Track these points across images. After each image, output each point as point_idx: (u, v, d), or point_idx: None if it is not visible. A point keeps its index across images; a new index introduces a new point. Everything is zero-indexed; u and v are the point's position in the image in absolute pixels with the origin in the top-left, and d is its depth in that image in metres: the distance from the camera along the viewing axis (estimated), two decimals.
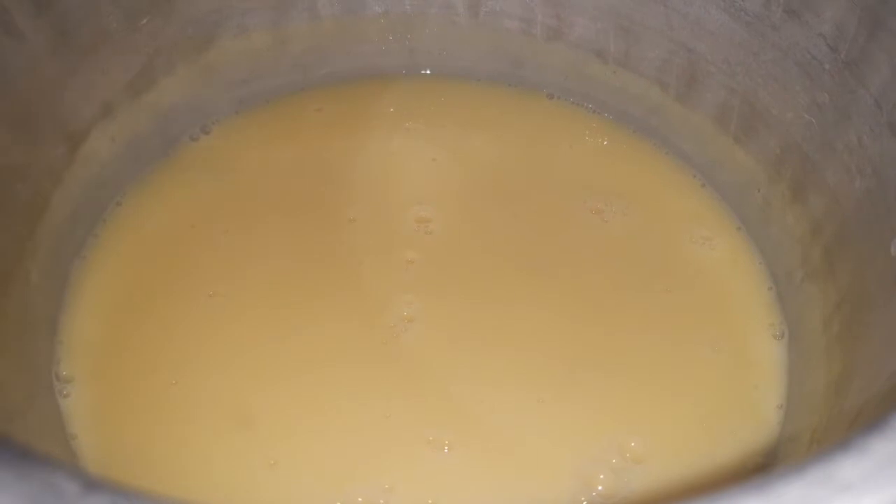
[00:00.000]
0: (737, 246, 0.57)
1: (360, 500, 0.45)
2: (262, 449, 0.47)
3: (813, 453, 0.42)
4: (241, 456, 0.46)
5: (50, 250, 0.51)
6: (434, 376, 0.50)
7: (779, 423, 0.50)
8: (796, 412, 0.49)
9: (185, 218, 0.57)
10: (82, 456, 0.46)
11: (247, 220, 0.57)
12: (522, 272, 0.55)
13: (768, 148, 0.55)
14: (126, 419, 0.48)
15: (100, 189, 0.56)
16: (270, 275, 0.54)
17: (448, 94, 0.65)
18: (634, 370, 0.51)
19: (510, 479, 0.46)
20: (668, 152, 0.62)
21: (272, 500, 0.45)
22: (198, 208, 0.58)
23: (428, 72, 0.66)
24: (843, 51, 0.47)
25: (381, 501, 0.45)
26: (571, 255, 0.57)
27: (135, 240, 0.56)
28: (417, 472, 0.46)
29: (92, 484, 0.22)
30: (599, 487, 0.46)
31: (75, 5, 0.50)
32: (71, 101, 0.52)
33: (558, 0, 0.61)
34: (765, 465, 0.48)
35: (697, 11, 0.55)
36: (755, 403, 0.51)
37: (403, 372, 0.50)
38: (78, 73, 0.52)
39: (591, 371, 0.51)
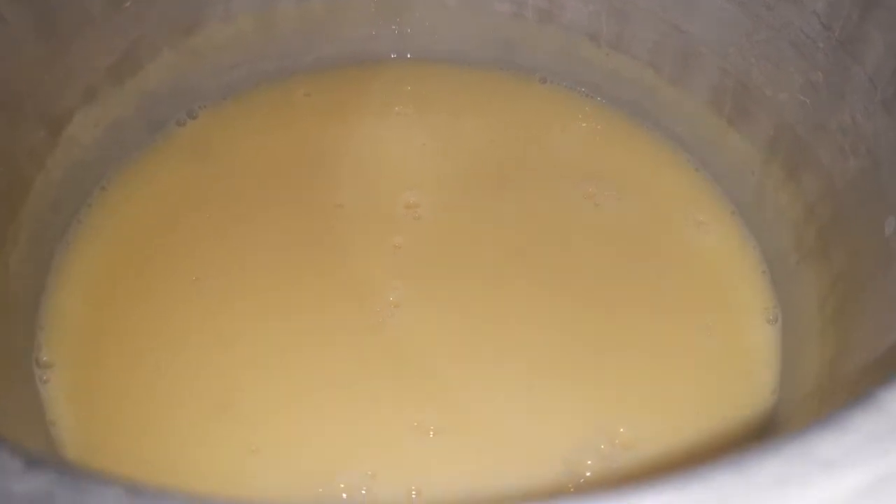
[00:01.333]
0: (731, 230, 0.56)
1: (342, 486, 0.44)
2: (244, 435, 0.46)
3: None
4: (223, 442, 0.46)
5: (32, 235, 0.50)
6: (420, 361, 0.49)
7: (772, 408, 0.49)
8: (790, 397, 0.48)
9: (171, 203, 0.57)
10: (61, 442, 0.45)
11: (233, 206, 0.57)
12: (512, 257, 0.54)
13: (762, 129, 0.54)
14: (106, 405, 0.47)
15: (84, 173, 0.55)
16: (256, 260, 0.54)
17: (438, 79, 0.64)
18: (625, 355, 0.50)
19: (496, 465, 0.45)
20: (662, 135, 0.61)
21: (254, 487, 0.44)
22: (184, 193, 0.57)
23: (418, 56, 0.65)
24: (837, 29, 0.46)
25: (364, 488, 0.44)
26: (563, 239, 0.56)
27: (119, 225, 0.55)
28: (401, 458, 0.45)
29: (34, 461, 0.21)
30: (588, 473, 0.45)
31: None
32: (53, 86, 0.52)
33: None
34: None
35: None
36: (748, 389, 0.50)
37: (389, 357, 0.49)
38: (60, 57, 0.51)
39: (580, 356, 0.50)
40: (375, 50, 0.65)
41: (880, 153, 0.44)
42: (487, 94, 0.64)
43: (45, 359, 0.48)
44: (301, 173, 0.58)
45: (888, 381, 0.23)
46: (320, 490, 0.44)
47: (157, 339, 0.50)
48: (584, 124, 0.62)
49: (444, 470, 0.45)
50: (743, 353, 0.51)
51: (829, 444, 0.22)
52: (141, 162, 0.58)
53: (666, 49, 0.58)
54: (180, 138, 0.60)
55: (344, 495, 0.44)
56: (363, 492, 0.44)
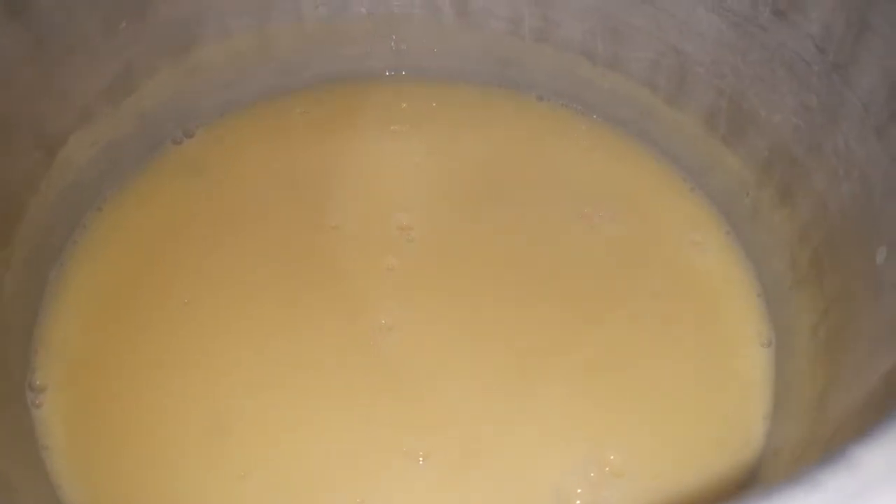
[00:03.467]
0: (726, 251, 0.56)
1: None
2: (234, 460, 0.46)
3: (793, 468, 0.41)
4: (213, 468, 0.46)
5: (26, 258, 0.51)
6: (411, 385, 0.49)
7: (765, 433, 0.48)
8: (782, 423, 0.48)
9: (166, 224, 0.57)
10: (53, 468, 0.45)
11: (229, 226, 0.57)
12: (505, 279, 0.54)
13: (757, 150, 0.53)
14: (99, 430, 0.47)
15: (79, 194, 0.55)
16: (250, 281, 0.54)
17: (434, 97, 0.64)
18: (617, 378, 0.50)
19: (485, 492, 0.45)
20: (658, 154, 0.60)
21: None
22: (180, 213, 0.57)
23: (414, 74, 0.65)
24: (831, 52, 0.46)
25: None
26: (557, 260, 0.55)
27: (115, 246, 0.55)
28: (391, 485, 0.45)
29: None
30: (577, 502, 0.45)
31: (51, 9, 0.49)
32: (48, 107, 0.52)
33: (545, 0, 0.59)
34: (749, 477, 0.47)
35: (685, 12, 0.54)
36: (741, 414, 0.49)
37: (380, 381, 0.49)
38: (55, 79, 0.51)
39: (571, 381, 0.50)
40: (372, 68, 0.65)
41: (873, 180, 0.43)
42: (483, 112, 0.64)
43: (38, 382, 0.48)
44: (297, 193, 0.59)
45: (862, 436, 0.23)
46: None
47: (150, 363, 0.50)
48: (579, 143, 0.62)
49: (433, 497, 0.45)
50: (736, 377, 0.51)
51: (833, 484, 0.22)
52: (137, 182, 0.58)
53: (662, 68, 0.58)
54: (177, 157, 0.60)
55: None
56: None
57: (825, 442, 0.39)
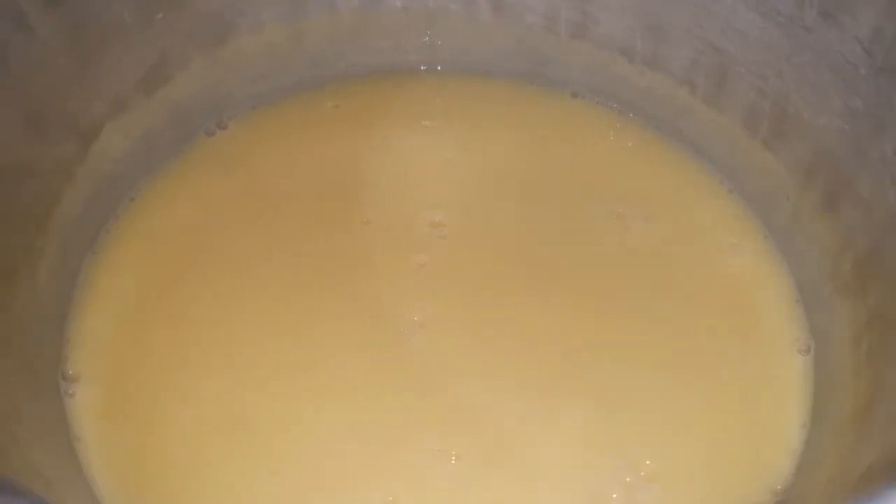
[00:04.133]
0: (763, 255, 0.55)
1: None
2: (265, 455, 0.46)
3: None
4: (243, 463, 0.46)
5: (60, 247, 0.51)
6: (443, 383, 0.49)
7: (801, 442, 0.48)
8: (820, 432, 0.47)
9: (198, 214, 0.57)
10: (85, 458, 0.45)
11: (260, 218, 0.56)
12: (537, 278, 0.54)
13: (799, 154, 0.52)
14: (130, 421, 0.47)
15: (112, 185, 0.55)
16: (282, 275, 0.53)
17: (468, 92, 0.63)
18: (652, 381, 0.50)
19: (518, 493, 0.45)
20: (695, 156, 0.60)
21: None
22: (211, 205, 0.57)
23: (448, 68, 0.64)
24: (880, 56, 0.45)
25: None
26: (591, 261, 0.55)
27: (147, 236, 0.55)
28: (422, 484, 0.45)
29: None
30: None
31: None
32: (83, 97, 0.52)
33: None
34: (786, 486, 0.46)
35: (727, 11, 0.53)
36: (777, 421, 0.49)
37: (411, 378, 0.49)
38: (90, 69, 0.51)
39: (606, 383, 0.49)
40: (405, 61, 0.64)
41: None
42: (517, 109, 0.63)
43: (71, 372, 0.49)
44: (328, 187, 0.58)
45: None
46: None
47: (181, 355, 0.50)
48: (615, 142, 0.61)
49: (465, 497, 0.45)
50: (773, 383, 0.50)
51: None
52: (170, 173, 0.58)
53: (702, 68, 0.57)
54: (209, 149, 0.60)
55: None
56: None
57: (871, 457, 0.38)
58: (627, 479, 0.45)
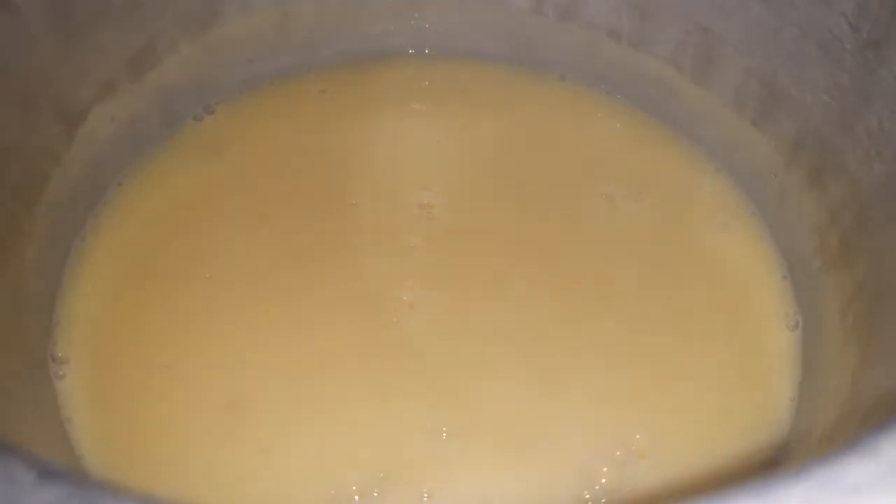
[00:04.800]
0: (752, 233, 0.55)
1: (353, 488, 0.44)
2: (255, 434, 0.46)
3: (819, 454, 0.40)
4: (235, 441, 0.46)
5: (48, 231, 0.50)
6: (434, 363, 0.49)
7: (791, 416, 0.48)
8: (809, 406, 0.48)
9: (187, 199, 0.57)
10: (76, 440, 0.45)
11: (249, 202, 0.56)
12: (528, 259, 0.54)
13: (786, 131, 0.53)
14: (121, 402, 0.47)
15: (100, 169, 0.55)
16: (270, 258, 0.53)
17: (456, 75, 0.63)
18: (642, 360, 0.50)
19: (509, 469, 0.45)
20: (683, 135, 0.60)
21: (264, 487, 0.44)
22: (199, 190, 0.57)
23: (435, 52, 0.64)
24: (865, 30, 0.45)
25: (376, 490, 0.44)
26: (580, 241, 0.55)
27: (135, 221, 0.55)
28: (413, 460, 0.45)
29: (48, 473, 0.21)
30: (602, 481, 0.45)
31: None
32: (70, 80, 0.51)
33: None
34: (775, 460, 0.46)
35: None
36: (767, 395, 0.49)
37: (403, 358, 0.49)
38: (77, 51, 0.51)
39: (596, 360, 0.49)
40: (393, 45, 0.64)
41: None
42: (505, 91, 0.63)
43: (60, 354, 0.48)
44: (316, 170, 0.58)
45: None
46: (332, 492, 0.44)
47: (170, 337, 0.50)
48: (603, 123, 0.61)
49: (456, 473, 0.45)
50: (762, 359, 0.50)
51: (855, 470, 0.22)
52: (157, 157, 0.58)
53: (688, 47, 0.57)
54: (197, 133, 0.60)
55: (356, 497, 0.44)
56: (375, 494, 0.44)
57: (857, 425, 0.39)
58: (617, 454, 0.45)
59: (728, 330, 0.51)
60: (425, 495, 0.44)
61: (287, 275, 0.53)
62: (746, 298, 0.53)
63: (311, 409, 0.47)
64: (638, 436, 0.46)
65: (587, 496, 0.44)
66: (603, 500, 0.44)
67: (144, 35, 0.55)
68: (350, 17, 0.62)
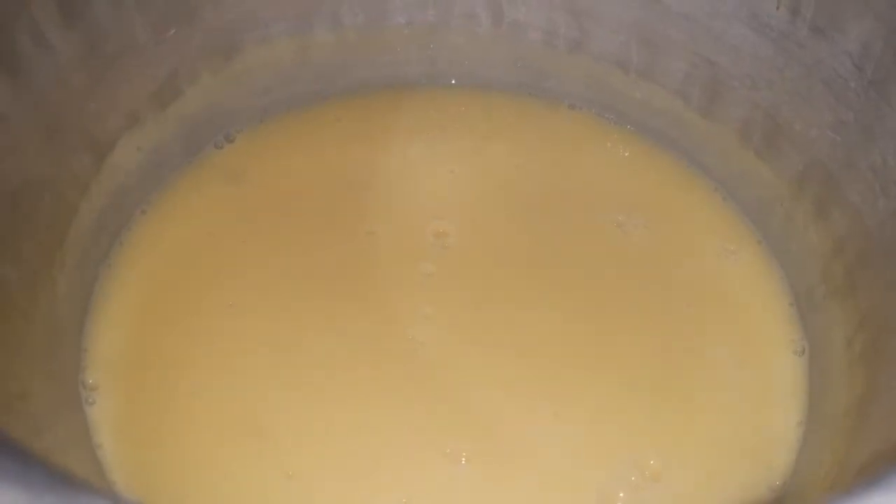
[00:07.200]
0: (758, 260, 0.57)
1: None
2: (279, 460, 0.47)
3: (828, 480, 0.42)
4: (259, 467, 0.47)
5: (77, 259, 0.52)
6: (451, 389, 0.50)
7: (798, 441, 0.50)
8: (817, 431, 0.49)
9: (207, 227, 0.58)
10: (107, 465, 0.46)
11: (267, 230, 0.58)
12: (540, 285, 0.55)
13: (791, 164, 0.54)
14: (149, 429, 0.48)
15: (125, 198, 0.56)
16: (290, 285, 0.55)
17: (469, 105, 0.65)
18: (654, 385, 0.51)
19: (527, 493, 0.47)
20: (690, 165, 0.62)
21: None
22: (220, 217, 0.58)
23: (450, 82, 0.66)
24: (869, 70, 0.47)
25: None
26: (591, 267, 0.57)
27: (159, 248, 0.56)
28: (434, 485, 0.47)
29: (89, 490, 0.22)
30: None
31: (104, 17, 0.50)
32: (98, 112, 0.53)
33: (581, 11, 0.60)
34: (784, 484, 0.48)
35: (721, 25, 0.55)
36: (775, 420, 0.51)
37: (420, 385, 0.50)
38: (105, 84, 0.52)
39: (610, 386, 0.51)
40: (408, 75, 0.66)
41: None
42: (517, 121, 0.65)
43: (90, 381, 0.50)
44: (333, 198, 0.60)
45: None
46: None
47: (194, 363, 0.51)
48: (612, 152, 0.63)
49: (475, 498, 0.46)
50: (770, 385, 0.52)
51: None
52: (180, 185, 0.59)
53: (696, 80, 0.59)
54: (218, 161, 0.61)
55: None
56: None
57: (867, 452, 0.40)
58: (633, 479, 0.47)
59: (737, 355, 0.53)
60: None
61: (306, 301, 0.54)
62: (754, 325, 0.54)
63: (333, 436, 0.48)
64: (652, 461, 0.47)
65: None
66: None
67: (168, 67, 0.56)
68: (366, 49, 0.64)
